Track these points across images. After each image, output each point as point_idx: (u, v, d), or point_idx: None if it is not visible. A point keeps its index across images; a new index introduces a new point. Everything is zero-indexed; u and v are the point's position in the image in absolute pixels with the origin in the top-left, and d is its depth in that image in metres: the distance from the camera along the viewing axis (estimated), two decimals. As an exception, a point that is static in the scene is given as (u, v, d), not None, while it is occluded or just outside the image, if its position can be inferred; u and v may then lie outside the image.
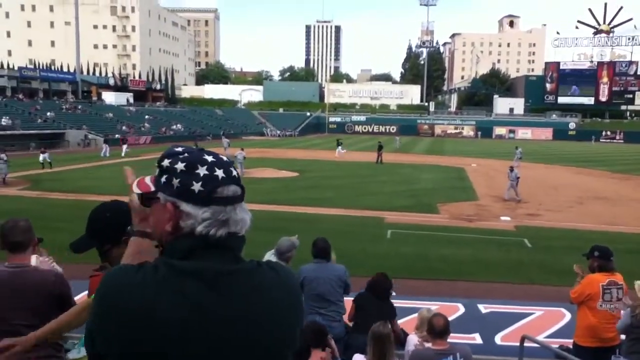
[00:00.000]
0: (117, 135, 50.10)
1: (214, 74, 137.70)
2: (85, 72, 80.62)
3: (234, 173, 1.36)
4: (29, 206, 17.84)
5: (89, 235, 2.10)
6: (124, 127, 58.33)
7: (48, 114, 53.88)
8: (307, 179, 27.57)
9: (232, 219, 1.33)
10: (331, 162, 37.92)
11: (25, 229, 3.35)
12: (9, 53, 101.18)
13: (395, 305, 6.00)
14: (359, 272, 6.57)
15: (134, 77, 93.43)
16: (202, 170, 1.32)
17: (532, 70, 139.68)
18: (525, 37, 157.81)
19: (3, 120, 46.50)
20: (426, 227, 15.85)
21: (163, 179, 1.35)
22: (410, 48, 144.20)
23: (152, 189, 1.41)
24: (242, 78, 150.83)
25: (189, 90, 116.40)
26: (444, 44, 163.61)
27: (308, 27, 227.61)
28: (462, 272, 11.18)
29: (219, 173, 1.33)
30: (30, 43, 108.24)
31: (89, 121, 56.30)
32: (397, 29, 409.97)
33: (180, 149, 1.38)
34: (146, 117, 68.18)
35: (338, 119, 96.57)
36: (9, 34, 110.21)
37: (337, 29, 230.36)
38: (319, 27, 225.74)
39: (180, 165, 1.33)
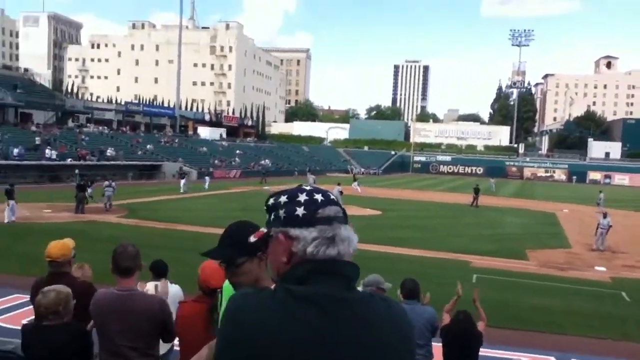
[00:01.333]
0: (210, 169, 52.38)
1: (303, 111, 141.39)
2: (183, 108, 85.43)
3: (333, 197, 1.49)
4: (127, 233, 18.91)
5: (224, 246, 2.25)
6: (216, 161, 61.02)
7: (148, 146, 57.49)
8: (390, 217, 27.48)
9: (339, 236, 1.41)
10: (414, 201, 37.56)
11: (133, 255, 3.57)
12: (118, 89, 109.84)
13: (483, 354, 5.86)
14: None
15: (227, 114, 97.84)
16: (302, 197, 1.45)
17: (631, 113, 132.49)
18: (623, 79, 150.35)
19: (109, 151, 50.17)
20: (514, 273, 15.30)
21: (272, 216, 1.49)
22: (500, 88, 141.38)
23: (265, 230, 1.55)
24: (329, 116, 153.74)
25: (278, 127, 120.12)
26: (536, 85, 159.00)
27: (396, 67, 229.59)
28: (552, 323, 10.68)
29: (318, 197, 1.46)
30: (136, 80, 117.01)
31: (184, 154, 59.41)
32: (486, 69, 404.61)
33: (279, 191, 1.53)
34: (237, 151, 70.98)
35: (423, 159, 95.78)
36: (119, 72, 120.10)
37: (425, 68, 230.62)
38: (407, 66, 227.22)
39: (283, 198, 1.47)
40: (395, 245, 18.74)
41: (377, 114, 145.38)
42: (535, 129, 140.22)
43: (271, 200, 1.51)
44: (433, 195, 43.59)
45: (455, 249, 18.62)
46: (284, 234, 1.43)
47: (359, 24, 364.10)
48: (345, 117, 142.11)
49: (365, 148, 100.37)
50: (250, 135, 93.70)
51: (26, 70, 72.29)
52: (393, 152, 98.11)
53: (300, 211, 1.42)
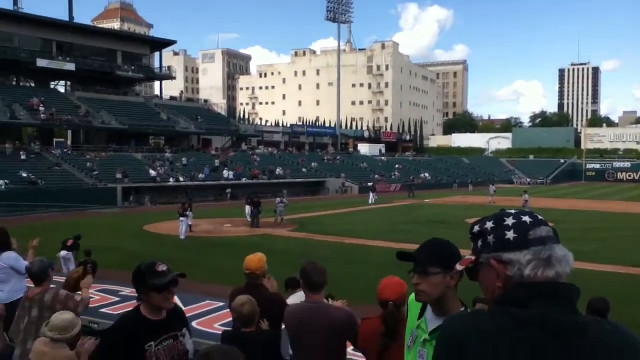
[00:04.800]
0: (370, 184, 53.57)
1: (462, 123, 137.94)
2: (344, 127, 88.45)
3: (540, 217, 1.46)
4: (297, 247, 19.99)
5: (423, 253, 2.30)
6: (376, 176, 62.15)
7: (312, 164, 60.51)
8: (565, 230, 25.65)
9: (555, 257, 1.38)
10: (591, 212, 34.75)
11: (322, 271, 3.75)
12: (284, 113, 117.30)
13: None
14: None
15: (386, 130, 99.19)
16: (510, 221, 1.43)
17: None
18: None
19: (278, 170, 53.79)
20: None
21: (479, 243, 1.49)
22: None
23: (473, 258, 1.52)
24: (490, 126, 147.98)
25: (436, 140, 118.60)
26: None
27: (562, 71, 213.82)
28: None
29: (526, 219, 1.43)
30: (300, 103, 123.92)
31: (345, 170, 61.43)
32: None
33: (482, 218, 1.54)
34: (396, 166, 71.55)
35: (597, 166, 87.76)
36: (284, 97, 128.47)
37: (595, 70, 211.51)
38: (573, 70, 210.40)
39: (489, 225, 1.47)
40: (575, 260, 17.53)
41: (543, 121, 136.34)
42: None
43: (476, 228, 1.51)
44: (612, 205, 39.89)
45: (642, 263, 16.99)
46: (496, 259, 1.42)
47: (518, 31, 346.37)
48: (507, 126, 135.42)
49: (531, 157, 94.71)
50: (408, 149, 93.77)
51: (205, 101, 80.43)
52: (562, 161, 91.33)
53: (510, 235, 1.41)
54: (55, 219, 29.35)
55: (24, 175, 37.52)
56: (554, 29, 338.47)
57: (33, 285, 5.09)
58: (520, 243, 1.39)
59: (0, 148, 41.01)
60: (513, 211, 1.49)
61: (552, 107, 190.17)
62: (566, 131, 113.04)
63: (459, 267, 1.59)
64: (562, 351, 1.25)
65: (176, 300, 3.26)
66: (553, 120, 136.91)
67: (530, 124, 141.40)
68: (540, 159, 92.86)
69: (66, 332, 4.00)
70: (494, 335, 1.29)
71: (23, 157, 40.40)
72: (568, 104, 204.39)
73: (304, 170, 58.45)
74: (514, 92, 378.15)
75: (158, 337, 2.95)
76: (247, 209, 27.84)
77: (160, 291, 2.90)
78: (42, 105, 46.69)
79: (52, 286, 5.10)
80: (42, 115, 45.91)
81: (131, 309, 3.15)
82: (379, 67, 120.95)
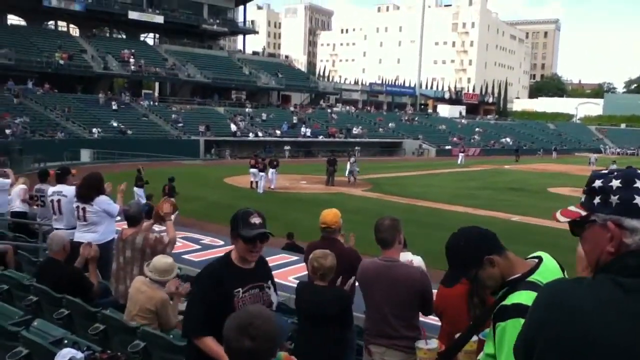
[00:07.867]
0: (447, 147, 52.51)
1: (549, 86, 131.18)
2: (424, 87, 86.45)
3: None
4: (369, 205, 20.18)
5: (451, 267, 2.22)
6: (454, 139, 60.76)
7: (389, 124, 59.86)
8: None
9: None
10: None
11: (389, 227, 3.65)
12: (363, 70, 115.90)
13: None
14: None
15: (467, 91, 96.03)
16: None
17: None
18: None
19: (355, 129, 53.73)
20: None
21: (597, 200, 1.33)
22: None
23: (582, 213, 1.38)
24: (579, 91, 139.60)
25: (520, 104, 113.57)
26: None
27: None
28: None
29: None
30: (380, 61, 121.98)
31: (423, 132, 60.38)
32: None
33: (605, 171, 1.40)
34: (476, 129, 69.43)
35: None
36: (364, 54, 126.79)
37: None
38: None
39: (615, 183, 1.31)
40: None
41: (639, 87, 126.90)
42: None
43: (598, 183, 1.35)
44: None
45: None
46: (615, 223, 1.28)
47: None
48: (598, 91, 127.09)
49: (622, 125, 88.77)
50: (490, 112, 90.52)
51: (286, 57, 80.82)
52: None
53: (639, 200, 1.27)
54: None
55: (114, 124, 39.68)
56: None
57: (126, 227, 5.45)
58: None
59: (94, 97, 43.46)
60: None
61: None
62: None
63: (561, 218, 1.42)
64: None
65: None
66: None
67: (625, 90, 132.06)
68: (633, 127, 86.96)
69: (165, 275, 4.36)
70: (596, 303, 1.18)
71: (114, 107, 42.63)
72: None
73: (381, 130, 58.03)
74: (609, 55, 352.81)
75: (245, 284, 3.05)
76: (252, 170, 24.10)
77: (246, 241, 2.97)
78: (132, 57, 48.75)
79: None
80: (132, 67, 48.01)
81: (222, 254, 3.24)
82: (464, 24, 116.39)
